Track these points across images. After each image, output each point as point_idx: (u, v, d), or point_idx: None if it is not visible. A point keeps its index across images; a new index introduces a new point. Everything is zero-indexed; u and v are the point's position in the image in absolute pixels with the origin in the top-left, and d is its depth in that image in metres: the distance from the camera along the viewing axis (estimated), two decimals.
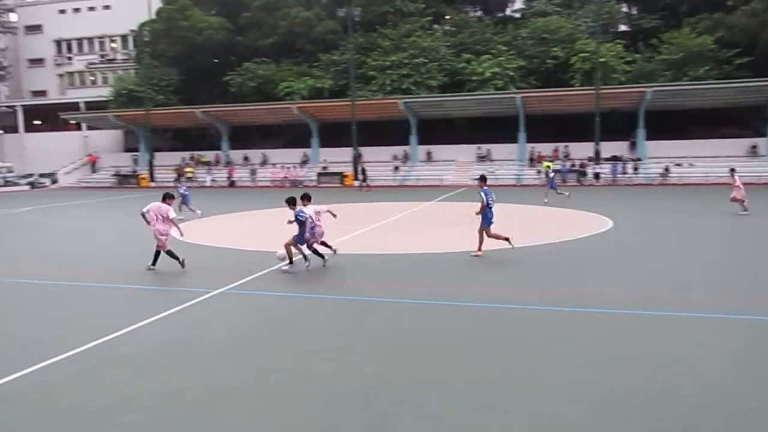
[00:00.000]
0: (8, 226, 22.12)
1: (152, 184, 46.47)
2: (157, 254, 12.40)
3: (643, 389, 5.87)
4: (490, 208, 13.30)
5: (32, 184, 50.10)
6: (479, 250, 13.37)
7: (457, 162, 45.02)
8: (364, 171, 40.27)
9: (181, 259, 12.34)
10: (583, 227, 17.71)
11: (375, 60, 47.77)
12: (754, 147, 40.09)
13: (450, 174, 43.30)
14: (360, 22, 47.77)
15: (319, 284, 10.90)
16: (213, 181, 46.27)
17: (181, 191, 22.71)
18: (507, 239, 13.38)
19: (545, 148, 43.73)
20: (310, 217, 11.97)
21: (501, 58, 45.70)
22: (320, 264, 12.27)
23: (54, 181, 52.16)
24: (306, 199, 12.37)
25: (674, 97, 40.90)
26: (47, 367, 6.74)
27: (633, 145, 42.62)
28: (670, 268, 11.65)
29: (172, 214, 12.37)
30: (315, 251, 12.36)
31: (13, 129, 60.40)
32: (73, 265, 13.33)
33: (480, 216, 13.42)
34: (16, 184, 50.45)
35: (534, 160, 43.06)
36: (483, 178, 13.94)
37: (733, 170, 21.63)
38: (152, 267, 12.36)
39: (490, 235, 13.38)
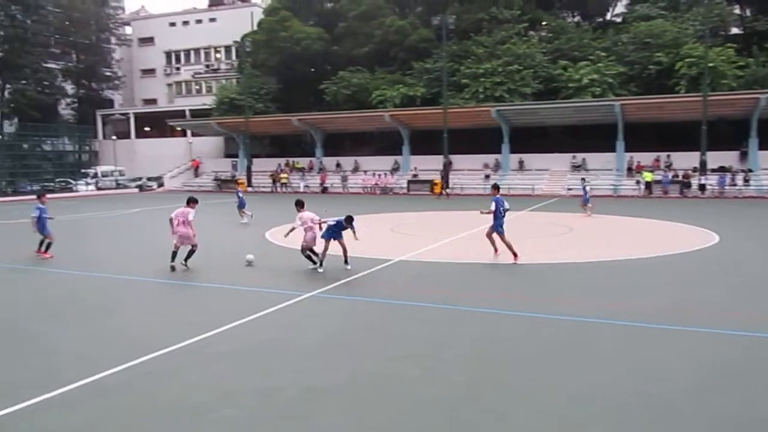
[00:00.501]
0: (119, 226, 23.80)
1: (249, 189, 48.50)
2: (174, 254, 13.37)
3: (746, 414, 5.54)
4: (502, 216, 13.96)
5: (140, 187, 53.62)
6: (496, 251, 14.24)
7: (550, 171, 43.97)
8: (444, 178, 41.28)
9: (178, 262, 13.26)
10: (687, 241, 16.82)
11: (468, 68, 47.57)
12: None
13: (543, 183, 42.35)
14: (454, 30, 47.77)
15: (408, 291, 10.99)
16: (306, 186, 47.67)
17: (239, 195, 24.46)
18: (496, 251, 14.25)
19: (645, 158, 41.85)
20: (307, 221, 13.30)
21: (600, 65, 44.25)
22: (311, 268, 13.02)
23: (160, 185, 55.56)
24: (300, 205, 13.77)
25: None
26: (151, 360, 7.22)
27: (744, 155, 39.96)
28: None
29: (191, 217, 13.54)
30: (309, 256, 13.36)
31: (125, 135, 64.96)
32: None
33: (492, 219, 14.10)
34: (126, 187, 54.20)
35: (633, 170, 41.32)
36: (496, 187, 14.83)
37: None
38: (173, 264, 13.21)
39: (503, 240, 13.92)
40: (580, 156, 43.90)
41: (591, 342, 7.88)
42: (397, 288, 11.31)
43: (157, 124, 64.35)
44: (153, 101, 73.45)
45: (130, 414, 5.77)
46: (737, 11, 50.80)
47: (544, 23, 53.17)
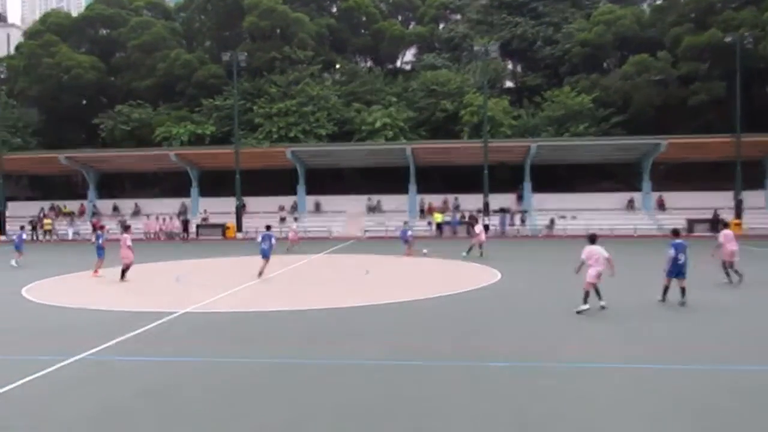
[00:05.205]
0: None
1: (3, 238, 42.88)
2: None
3: None
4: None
5: None
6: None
7: (346, 213, 45.39)
8: (185, 222, 42.60)
9: None
10: (473, 279, 18.26)
11: (261, 107, 47.80)
12: (630, 201, 43.73)
13: (339, 225, 43.53)
14: (246, 68, 47.82)
15: (195, 347, 10.36)
16: (76, 234, 43.44)
17: (21, 237, 25.06)
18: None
19: (436, 200, 45.22)
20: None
21: (391, 109, 47.30)
22: None
23: None
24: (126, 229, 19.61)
25: (556, 151, 44.06)
26: None
27: (520, 198, 45.10)
28: (555, 320, 12.18)
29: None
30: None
31: None
32: None
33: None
34: None
35: (425, 212, 44.32)
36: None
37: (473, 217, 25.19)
38: None
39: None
40: (375, 198, 46.03)
41: (388, 383, 8.03)
42: (183, 344, 10.62)
43: None
44: None
45: None
46: (510, 67, 58.06)
47: (337, 66, 55.68)
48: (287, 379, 8.43)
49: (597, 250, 12.72)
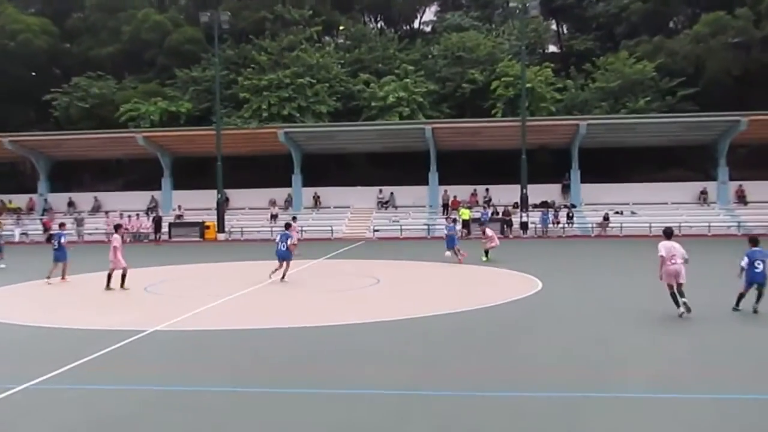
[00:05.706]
0: None
1: None
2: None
3: None
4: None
5: None
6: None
7: (352, 209, 45.39)
8: (158, 220, 43.01)
9: None
10: (507, 290, 18.17)
11: (248, 79, 47.90)
12: (703, 192, 43.36)
13: (343, 224, 43.56)
14: (229, 31, 47.94)
15: (166, 372, 10.40)
16: (24, 234, 43.88)
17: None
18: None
19: (461, 192, 45.04)
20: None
21: (407, 80, 47.15)
22: None
23: None
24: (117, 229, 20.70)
25: (611, 131, 43.77)
26: None
27: (566, 189, 44.85)
28: (609, 340, 12.10)
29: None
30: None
31: None
32: None
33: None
34: None
35: (448, 207, 44.14)
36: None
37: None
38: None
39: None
40: (387, 190, 45.94)
41: (392, 417, 8.02)
42: (150, 369, 10.67)
43: None
44: None
45: None
46: (554, 27, 57.80)
47: (341, 28, 55.66)
48: (267, 410, 8.38)
49: (676, 247, 13.56)
